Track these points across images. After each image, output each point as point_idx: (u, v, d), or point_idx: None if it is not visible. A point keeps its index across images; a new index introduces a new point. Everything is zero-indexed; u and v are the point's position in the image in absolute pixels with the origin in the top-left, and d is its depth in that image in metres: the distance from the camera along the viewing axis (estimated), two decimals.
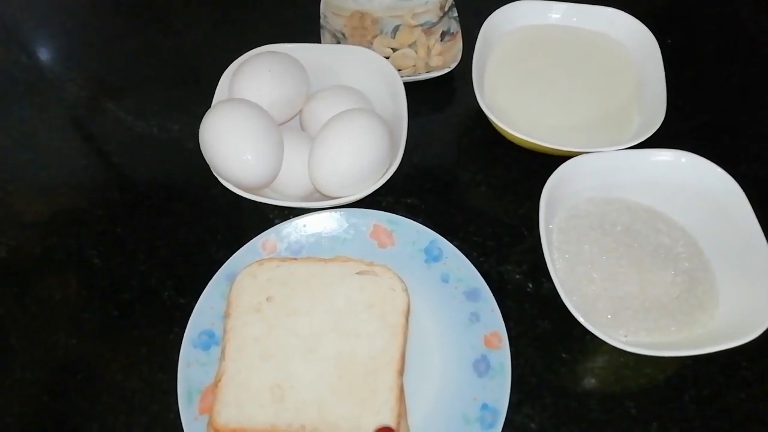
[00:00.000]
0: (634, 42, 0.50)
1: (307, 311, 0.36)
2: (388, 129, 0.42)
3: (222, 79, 0.46)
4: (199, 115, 0.46)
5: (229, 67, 0.46)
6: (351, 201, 0.41)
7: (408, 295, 0.37)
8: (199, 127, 0.43)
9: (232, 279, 0.41)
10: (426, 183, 0.49)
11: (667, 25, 0.58)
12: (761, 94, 0.55)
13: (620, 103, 0.48)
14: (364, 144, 0.40)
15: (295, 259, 0.39)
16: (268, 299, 0.37)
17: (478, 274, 0.42)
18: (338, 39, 0.54)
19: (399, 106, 0.45)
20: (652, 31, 0.50)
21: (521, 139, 0.44)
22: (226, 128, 0.39)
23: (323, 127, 0.41)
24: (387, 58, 0.54)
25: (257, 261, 0.39)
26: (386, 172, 0.42)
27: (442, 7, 0.56)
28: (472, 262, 0.43)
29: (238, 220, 0.47)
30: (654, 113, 0.45)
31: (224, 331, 0.36)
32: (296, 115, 0.47)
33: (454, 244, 0.46)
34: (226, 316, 0.37)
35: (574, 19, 0.51)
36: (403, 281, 0.38)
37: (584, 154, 0.42)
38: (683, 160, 0.42)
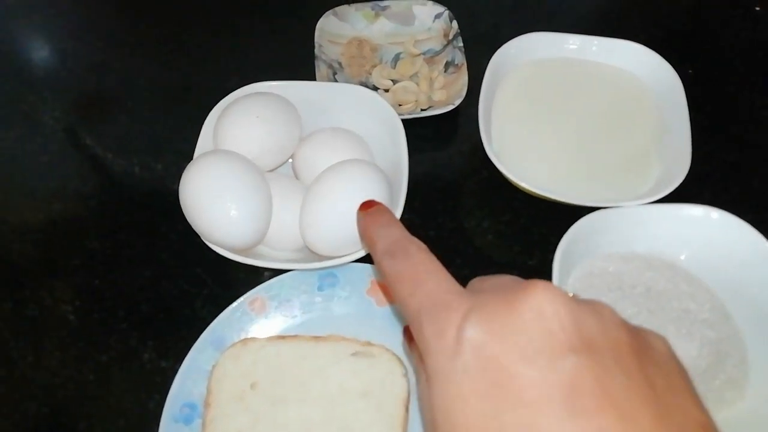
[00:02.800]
0: (657, 80, 0.46)
1: (295, 400, 0.32)
2: (387, 181, 0.38)
3: (206, 122, 0.42)
4: (185, 152, 0.42)
5: (214, 110, 0.42)
6: (346, 262, 0.38)
7: (408, 381, 0.33)
8: (185, 167, 0.40)
9: (216, 344, 0.38)
10: (429, 230, 0.46)
11: (686, 53, 0.55)
12: None
13: (640, 148, 0.44)
14: (360, 202, 0.36)
15: (283, 338, 0.35)
16: (252, 386, 0.33)
17: None
18: (335, 70, 0.50)
19: (399, 150, 0.41)
20: (671, 61, 0.47)
21: (532, 191, 0.41)
22: (208, 188, 0.35)
23: (315, 182, 0.37)
24: (386, 90, 0.50)
25: (241, 341, 0.35)
26: None
27: (446, 35, 0.52)
28: None
29: (226, 271, 0.44)
30: (678, 161, 0.41)
31: (203, 423, 0.33)
32: (288, 159, 0.43)
33: None
34: (206, 405, 0.33)
35: (593, 51, 0.47)
36: (403, 363, 0.34)
37: (602, 210, 0.39)
38: (714, 216, 0.38)
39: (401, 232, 0.24)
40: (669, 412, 0.17)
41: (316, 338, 0.35)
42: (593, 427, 0.16)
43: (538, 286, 0.19)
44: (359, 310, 0.40)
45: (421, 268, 0.22)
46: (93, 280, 0.44)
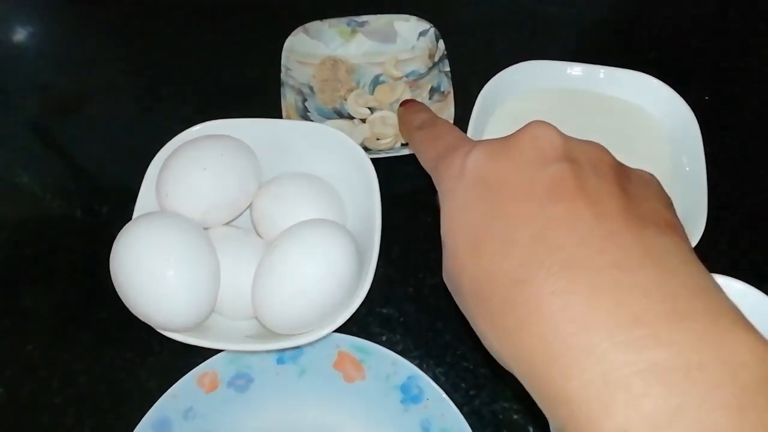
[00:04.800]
0: (668, 116, 0.40)
1: None
2: (355, 247, 0.33)
3: (148, 172, 0.36)
4: (134, 193, 0.37)
5: (157, 156, 0.36)
6: (310, 341, 0.32)
7: None
8: (134, 210, 0.35)
9: (158, 427, 0.34)
10: (406, 287, 0.40)
11: (702, 76, 0.49)
12: None
13: None
14: (324, 276, 0.31)
15: None
16: None
17: (467, 425, 0.34)
18: (305, 96, 0.44)
19: (371, 200, 0.36)
20: (685, 86, 0.41)
21: None
22: (141, 262, 0.30)
23: (270, 251, 0.32)
24: (363, 120, 0.44)
25: None
26: (354, 299, 0.33)
27: (431, 56, 0.46)
28: (460, 397, 0.36)
29: None
30: (692, 210, 0.36)
31: None
32: (245, 210, 0.37)
33: (439, 371, 0.38)
34: None
35: (597, 81, 0.41)
36: None
37: None
38: (737, 287, 0.33)
39: (432, 114, 0.30)
40: (636, 207, 0.20)
41: None
42: (566, 208, 0.19)
43: (535, 122, 0.22)
44: (324, 386, 0.36)
45: (443, 131, 0.26)
46: (25, 345, 0.38)
